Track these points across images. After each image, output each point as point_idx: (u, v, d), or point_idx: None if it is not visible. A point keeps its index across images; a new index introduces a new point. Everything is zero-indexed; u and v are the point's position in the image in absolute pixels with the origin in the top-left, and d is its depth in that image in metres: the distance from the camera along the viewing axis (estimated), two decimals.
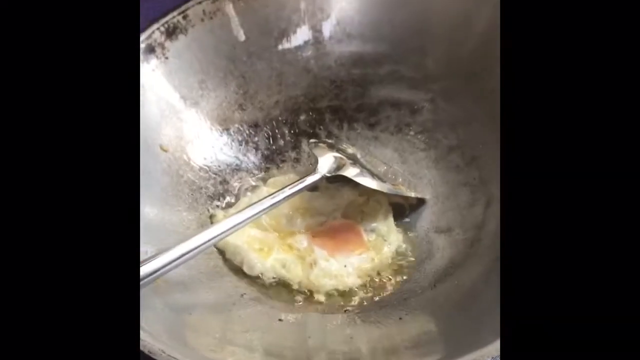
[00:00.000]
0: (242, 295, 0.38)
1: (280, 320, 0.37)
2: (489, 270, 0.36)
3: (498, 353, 0.27)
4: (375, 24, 0.48)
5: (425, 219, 0.43)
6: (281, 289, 0.40)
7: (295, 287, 0.39)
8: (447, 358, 0.29)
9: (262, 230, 0.41)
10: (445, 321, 0.35)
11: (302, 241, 0.41)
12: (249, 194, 0.45)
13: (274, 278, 0.40)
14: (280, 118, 0.48)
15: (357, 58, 0.48)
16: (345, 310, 0.38)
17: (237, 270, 0.40)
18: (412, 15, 0.47)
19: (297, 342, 0.35)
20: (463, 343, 0.30)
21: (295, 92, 0.48)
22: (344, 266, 0.39)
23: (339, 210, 0.43)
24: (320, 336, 0.35)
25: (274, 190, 0.39)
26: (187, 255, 0.32)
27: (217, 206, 0.44)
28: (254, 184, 0.46)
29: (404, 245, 0.42)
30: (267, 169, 0.47)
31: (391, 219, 0.43)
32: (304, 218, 0.42)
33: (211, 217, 0.43)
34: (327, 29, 0.48)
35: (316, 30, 0.48)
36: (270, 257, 0.39)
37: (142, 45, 0.43)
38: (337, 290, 0.39)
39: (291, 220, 0.42)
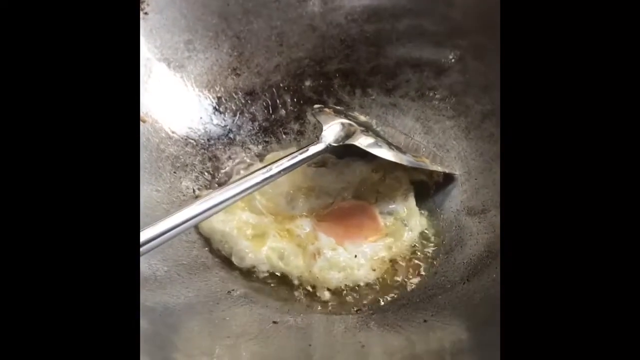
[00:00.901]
0: (229, 292, 0.32)
1: (274, 322, 0.30)
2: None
3: None
4: (375, 35, 0.44)
5: (455, 198, 0.37)
6: (279, 285, 0.33)
7: (295, 282, 0.32)
8: None
9: (255, 213, 0.35)
10: (481, 326, 0.27)
11: (304, 226, 0.34)
12: (242, 171, 0.38)
13: (268, 272, 0.33)
14: (281, 84, 0.43)
15: (371, 12, 0.43)
16: (356, 311, 0.31)
17: (225, 262, 0.34)
18: (414, 24, 0.42)
19: (294, 351, 0.28)
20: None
21: (298, 54, 0.43)
22: (355, 256, 0.32)
23: (349, 189, 0.37)
24: (325, 343, 0.29)
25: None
26: (157, 240, 0.26)
27: (205, 186, 0.38)
28: (249, 161, 0.39)
29: (428, 231, 0.35)
30: (265, 143, 0.41)
31: (412, 200, 0.37)
32: (307, 199, 0.36)
33: (197, 198, 0.36)
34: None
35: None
36: (264, 246, 0.33)
37: None
38: (346, 285, 0.32)
39: (292, 201, 0.36)
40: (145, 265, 0.30)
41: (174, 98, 0.39)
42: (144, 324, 0.27)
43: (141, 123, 0.37)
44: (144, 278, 0.30)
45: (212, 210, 0.29)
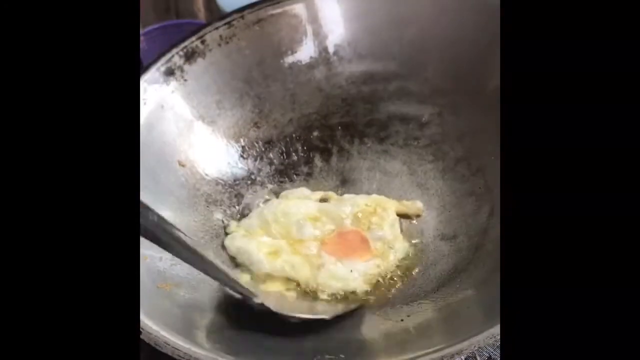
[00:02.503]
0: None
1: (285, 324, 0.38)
2: (491, 272, 0.37)
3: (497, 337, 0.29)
4: (384, 44, 0.50)
5: (432, 227, 0.44)
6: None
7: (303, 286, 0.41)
8: (446, 345, 0.30)
9: (271, 237, 0.43)
10: (445, 320, 0.35)
11: (311, 248, 0.42)
12: (261, 205, 0.46)
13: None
14: (293, 135, 0.50)
15: (367, 76, 0.51)
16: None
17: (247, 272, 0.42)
18: (418, 33, 0.49)
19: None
20: (462, 333, 0.31)
21: (308, 110, 0.51)
22: (350, 271, 0.40)
23: (348, 218, 0.44)
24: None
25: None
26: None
27: (232, 217, 0.46)
28: (267, 197, 0.47)
29: (410, 253, 0.42)
30: (280, 182, 0.49)
31: (397, 228, 0.44)
32: (314, 226, 0.43)
33: (225, 227, 0.45)
34: (338, 50, 0.51)
35: (327, 51, 0.51)
36: (279, 259, 0.41)
37: (162, 68, 0.46)
38: (343, 291, 0.40)
39: (301, 228, 0.43)
40: (184, 277, 0.39)
41: (207, 147, 0.47)
42: (183, 318, 0.36)
43: (181, 167, 0.46)
44: (184, 285, 0.38)
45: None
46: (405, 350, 0.33)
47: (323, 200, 0.46)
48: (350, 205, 0.44)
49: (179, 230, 0.31)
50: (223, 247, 0.44)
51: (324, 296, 0.40)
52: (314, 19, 0.50)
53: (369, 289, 0.41)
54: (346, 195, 0.46)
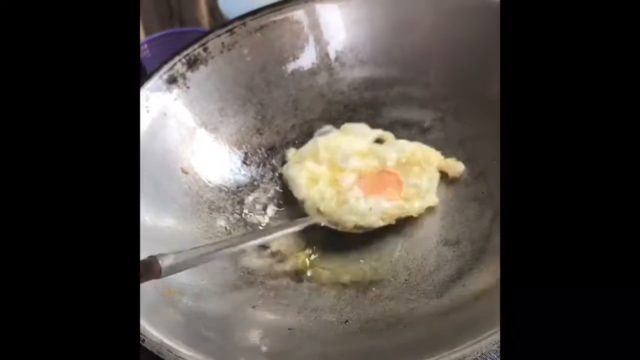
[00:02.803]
0: (254, 307, 0.40)
1: (289, 329, 0.38)
2: (493, 280, 0.37)
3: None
4: (386, 50, 0.50)
5: (436, 233, 0.44)
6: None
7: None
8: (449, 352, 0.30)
9: (317, 162, 0.45)
10: (448, 326, 0.35)
11: (347, 180, 0.44)
12: (320, 138, 0.48)
13: None
14: (296, 141, 0.50)
15: (368, 82, 0.51)
16: (345, 322, 0.39)
17: (252, 283, 0.42)
18: (420, 39, 0.49)
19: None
20: (465, 339, 0.31)
21: (310, 116, 0.51)
22: (370, 209, 0.42)
23: (392, 161, 0.45)
24: None
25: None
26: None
27: (235, 224, 0.46)
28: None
29: (414, 258, 0.42)
30: (283, 189, 0.49)
31: (435, 182, 0.45)
32: (358, 160, 0.45)
33: (229, 234, 0.45)
34: (340, 56, 0.51)
35: (329, 57, 0.51)
36: (314, 188, 0.44)
37: (165, 76, 0.46)
38: (359, 225, 0.43)
39: (346, 159, 0.45)
40: (189, 284, 0.39)
41: (210, 154, 0.47)
42: (187, 326, 0.36)
43: (184, 174, 0.47)
44: (189, 293, 0.39)
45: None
46: (408, 356, 0.33)
47: (378, 140, 0.48)
48: (398, 151, 0.46)
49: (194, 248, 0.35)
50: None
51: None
52: (316, 25, 0.50)
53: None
54: (401, 140, 0.47)
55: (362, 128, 0.48)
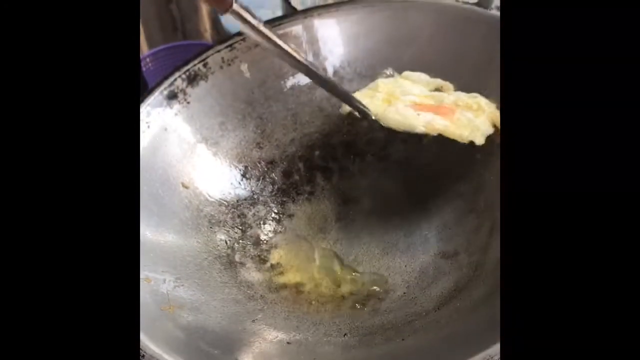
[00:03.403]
0: (253, 321, 0.40)
1: (288, 343, 0.38)
2: (491, 292, 0.37)
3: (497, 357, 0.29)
4: (384, 63, 0.51)
5: (433, 245, 0.44)
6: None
7: None
8: None
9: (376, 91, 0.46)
10: (446, 339, 0.36)
11: (407, 102, 0.45)
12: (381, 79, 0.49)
13: None
14: (295, 154, 0.51)
15: None
16: (344, 335, 0.39)
17: (252, 297, 0.42)
18: (417, 52, 0.50)
19: None
20: (462, 352, 0.31)
21: (309, 130, 0.51)
22: (418, 114, 0.42)
23: (450, 102, 0.45)
24: None
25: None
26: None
27: (236, 239, 0.47)
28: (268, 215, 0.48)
29: (411, 271, 0.43)
30: (283, 202, 0.49)
31: (487, 127, 0.43)
32: (416, 96, 0.45)
33: (229, 248, 0.46)
34: (339, 70, 0.51)
35: (329, 71, 0.51)
36: (366, 100, 0.44)
37: (165, 92, 0.47)
38: (400, 123, 0.43)
39: (405, 93, 0.45)
40: (189, 298, 0.40)
41: (210, 168, 0.48)
42: (186, 341, 0.36)
43: (185, 189, 0.47)
44: (188, 308, 0.39)
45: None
46: None
47: (437, 89, 0.47)
48: (455, 97, 0.45)
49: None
50: (226, 267, 0.44)
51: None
52: (314, 40, 0.50)
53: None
54: (459, 92, 0.46)
55: (422, 76, 0.48)
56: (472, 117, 0.43)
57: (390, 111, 0.43)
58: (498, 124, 0.44)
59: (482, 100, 0.44)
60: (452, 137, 0.42)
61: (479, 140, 0.42)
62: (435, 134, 0.42)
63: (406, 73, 0.48)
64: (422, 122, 0.42)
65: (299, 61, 0.42)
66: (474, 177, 0.46)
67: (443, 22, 0.49)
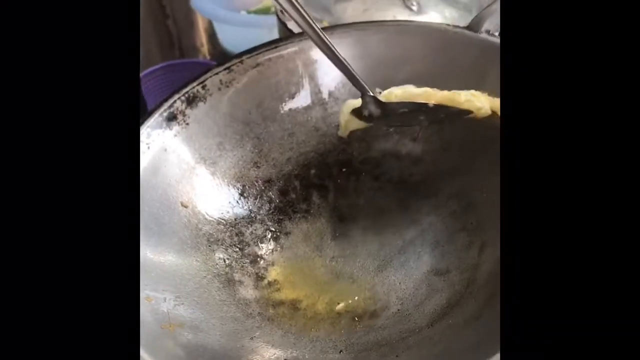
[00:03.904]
0: (251, 338, 0.41)
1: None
2: (482, 308, 0.38)
3: None
4: (378, 83, 0.52)
5: (426, 262, 0.45)
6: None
7: None
8: None
9: None
10: (439, 355, 0.37)
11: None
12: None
13: None
14: (292, 173, 0.52)
15: None
16: (340, 352, 0.40)
17: (250, 314, 0.43)
18: (411, 73, 0.51)
19: None
20: None
21: (305, 149, 0.53)
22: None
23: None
24: None
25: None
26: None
27: (234, 257, 0.48)
28: (265, 234, 0.49)
29: (405, 288, 0.44)
30: (280, 220, 0.51)
31: (487, 105, 0.45)
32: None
33: (227, 267, 0.47)
34: (334, 91, 0.53)
35: (323, 93, 0.53)
36: None
37: (165, 114, 0.48)
38: (399, 96, 0.45)
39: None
40: (190, 317, 0.41)
41: (209, 188, 0.49)
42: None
43: (184, 208, 0.48)
44: (188, 326, 0.40)
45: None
46: None
47: None
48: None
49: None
50: (225, 285, 0.45)
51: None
52: (310, 62, 0.52)
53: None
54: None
55: (408, 87, 0.48)
56: (474, 93, 0.45)
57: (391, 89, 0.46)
58: (495, 107, 0.45)
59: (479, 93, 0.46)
60: (450, 104, 0.44)
61: (477, 109, 0.44)
62: (432, 104, 0.44)
63: (391, 88, 0.49)
64: (423, 94, 0.44)
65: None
66: (465, 196, 0.47)
67: (435, 44, 0.51)
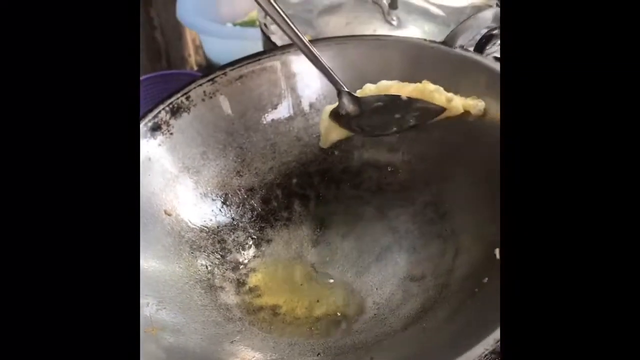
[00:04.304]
0: (232, 342, 0.42)
1: None
2: (454, 312, 0.40)
3: None
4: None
5: (403, 268, 0.47)
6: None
7: None
8: None
9: None
10: (412, 356, 0.38)
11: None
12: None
13: None
14: (274, 182, 0.54)
15: None
16: (318, 354, 0.41)
17: (231, 319, 0.45)
18: None
19: None
20: None
21: (287, 159, 0.54)
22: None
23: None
24: None
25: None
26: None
27: (216, 264, 0.49)
28: (248, 241, 0.51)
29: (382, 293, 0.45)
30: (262, 227, 0.52)
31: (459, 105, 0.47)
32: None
33: (209, 273, 0.48)
34: (315, 102, 0.54)
35: (305, 104, 0.54)
36: None
37: (150, 124, 0.50)
38: (372, 90, 0.49)
39: None
40: (172, 320, 0.42)
41: (192, 196, 0.50)
42: None
43: (168, 216, 0.49)
44: (170, 330, 0.41)
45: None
46: None
47: None
48: None
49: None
50: (206, 290, 0.46)
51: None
52: (291, 75, 0.54)
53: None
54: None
55: (382, 82, 0.51)
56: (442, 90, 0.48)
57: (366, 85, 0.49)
58: (467, 106, 0.47)
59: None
60: (421, 97, 0.47)
61: (448, 100, 0.46)
62: (406, 98, 0.48)
63: (366, 85, 0.52)
64: (394, 83, 0.48)
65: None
66: (441, 204, 0.49)
67: (412, 58, 0.53)
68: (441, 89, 0.47)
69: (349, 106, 0.50)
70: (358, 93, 0.50)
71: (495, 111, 0.45)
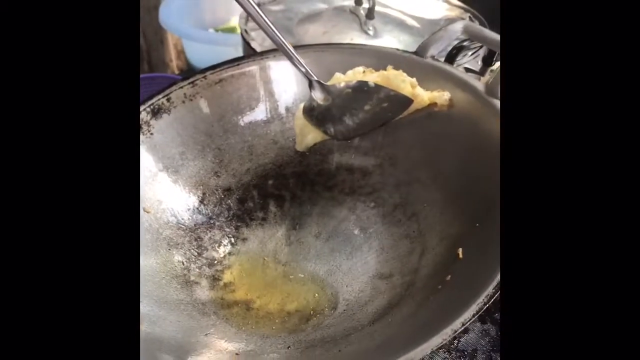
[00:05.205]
0: (206, 335, 0.44)
1: (237, 354, 0.42)
2: (418, 307, 0.42)
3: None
4: None
5: (372, 267, 0.49)
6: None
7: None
8: None
9: None
10: (377, 348, 0.40)
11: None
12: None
13: None
14: (250, 183, 0.55)
15: None
16: (288, 347, 0.43)
17: (205, 313, 0.46)
18: None
19: None
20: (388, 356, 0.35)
21: (264, 161, 0.56)
22: (363, 72, 0.50)
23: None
24: None
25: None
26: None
27: (191, 260, 0.50)
28: (223, 240, 0.52)
29: (351, 291, 0.47)
30: (237, 226, 0.54)
31: (425, 98, 0.50)
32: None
33: (185, 269, 0.50)
34: (291, 107, 0.56)
35: (281, 108, 0.56)
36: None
37: None
38: (347, 77, 0.51)
39: None
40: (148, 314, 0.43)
41: (170, 195, 0.52)
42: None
43: (146, 213, 0.51)
44: (147, 322, 0.43)
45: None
46: None
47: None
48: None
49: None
50: (182, 286, 0.48)
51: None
52: (269, 80, 0.56)
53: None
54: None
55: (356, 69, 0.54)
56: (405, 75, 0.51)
57: (335, 75, 0.52)
58: (433, 98, 0.50)
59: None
60: (385, 84, 0.50)
61: (413, 86, 0.50)
62: (373, 84, 0.51)
63: (336, 74, 0.54)
64: (361, 70, 0.51)
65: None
66: (409, 206, 0.51)
67: (388, 59, 0.55)
68: (404, 74, 0.51)
69: (320, 96, 0.52)
70: (329, 82, 0.53)
71: (460, 102, 0.49)
